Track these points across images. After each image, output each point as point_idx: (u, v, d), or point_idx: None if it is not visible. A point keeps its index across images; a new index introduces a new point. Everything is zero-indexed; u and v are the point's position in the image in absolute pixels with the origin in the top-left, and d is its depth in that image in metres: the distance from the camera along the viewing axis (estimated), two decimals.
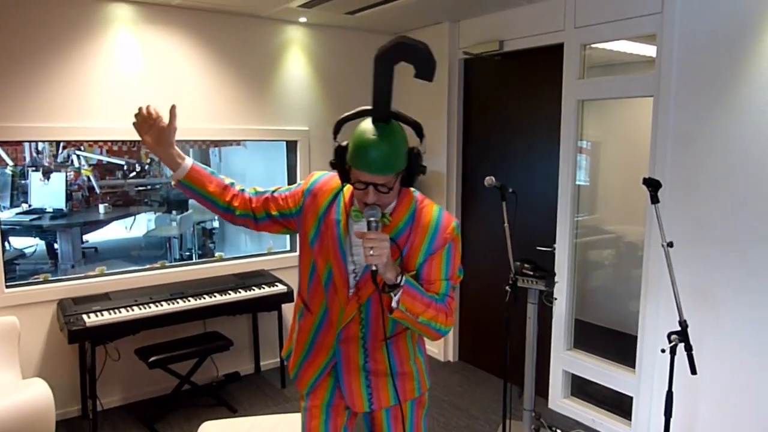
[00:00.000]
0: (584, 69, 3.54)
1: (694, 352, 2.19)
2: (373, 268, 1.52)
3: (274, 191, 1.84)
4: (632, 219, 3.60)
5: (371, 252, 1.50)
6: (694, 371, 2.14)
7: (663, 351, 2.24)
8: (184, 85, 3.86)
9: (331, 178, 1.78)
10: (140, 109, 1.88)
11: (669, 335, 2.25)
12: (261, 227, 1.85)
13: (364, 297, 1.71)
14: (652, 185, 2.29)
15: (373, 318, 1.74)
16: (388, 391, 1.82)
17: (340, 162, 1.64)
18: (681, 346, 2.20)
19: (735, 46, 2.73)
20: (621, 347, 3.51)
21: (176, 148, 1.81)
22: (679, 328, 2.22)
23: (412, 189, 1.72)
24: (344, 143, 1.63)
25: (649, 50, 3.30)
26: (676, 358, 2.26)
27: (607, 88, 3.44)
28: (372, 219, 1.55)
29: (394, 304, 1.57)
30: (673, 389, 2.36)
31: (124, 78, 3.64)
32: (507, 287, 3.09)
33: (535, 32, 3.71)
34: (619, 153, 3.77)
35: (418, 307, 1.59)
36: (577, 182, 3.65)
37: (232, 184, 1.83)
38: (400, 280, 1.56)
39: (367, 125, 1.59)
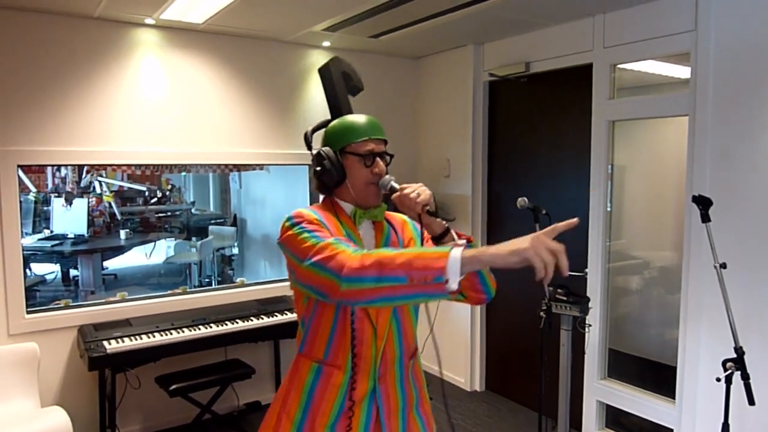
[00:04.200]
0: (614, 89, 3.47)
1: (750, 381, 2.06)
2: (428, 209, 1.49)
3: (329, 240, 1.47)
4: (659, 244, 3.48)
5: (419, 197, 1.48)
6: (752, 401, 2.01)
7: (718, 380, 2.10)
8: (208, 109, 3.85)
9: (321, 208, 1.64)
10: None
11: (724, 363, 2.12)
12: None
13: None
14: (703, 203, 2.18)
15: (404, 321, 1.62)
16: (419, 425, 1.67)
17: (335, 159, 1.60)
18: (737, 375, 2.07)
19: None
20: (656, 377, 3.35)
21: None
22: (734, 356, 2.09)
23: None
24: (321, 149, 1.63)
25: (678, 71, 3.23)
26: (732, 387, 2.12)
27: (640, 108, 3.36)
28: (391, 181, 1.57)
29: (461, 241, 1.45)
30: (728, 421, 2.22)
31: (147, 102, 3.64)
32: (541, 313, 2.97)
33: (562, 53, 3.66)
34: (644, 177, 3.66)
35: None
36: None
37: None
38: (447, 224, 1.55)
39: (340, 118, 1.67)
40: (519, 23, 3.67)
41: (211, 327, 3.54)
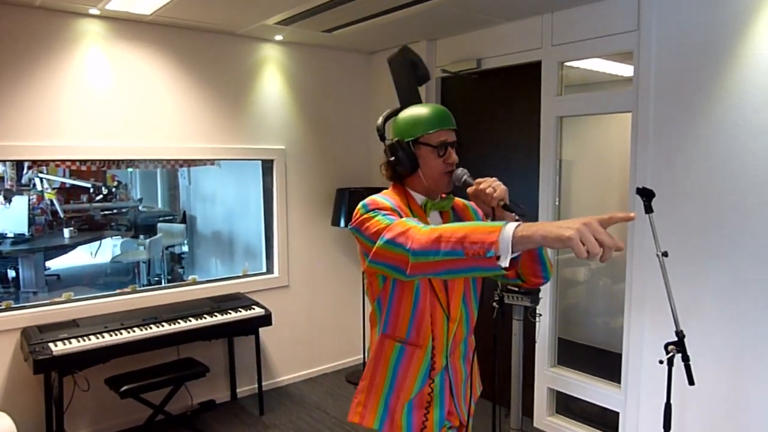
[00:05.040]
0: (562, 86, 3.58)
1: (690, 363, 2.17)
2: (501, 203, 1.53)
3: (401, 219, 1.55)
4: None
5: (494, 192, 1.53)
6: (691, 382, 2.12)
7: (661, 362, 2.21)
8: (156, 103, 3.76)
9: (392, 195, 1.71)
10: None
11: (666, 346, 2.23)
12: None
13: (460, 283, 1.69)
14: (646, 195, 2.29)
15: (470, 307, 1.73)
16: (470, 395, 1.80)
17: (408, 149, 1.66)
18: (678, 357, 2.18)
19: (710, 61, 2.79)
20: (603, 363, 3.49)
21: None
22: (675, 339, 2.20)
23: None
24: (394, 139, 1.69)
25: (623, 69, 3.36)
26: (673, 369, 2.24)
27: (586, 104, 3.47)
28: (465, 175, 1.64)
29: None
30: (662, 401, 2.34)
31: (92, 96, 3.52)
32: (494, 303, 3.05)
33: (512, 50, 3.75)
34: (591, 171, 3.80)
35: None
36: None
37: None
38: (519, 220, 1.57)
39: (411, 107, 1.72)
40: (470, 20, 3.74)
41: (162, 326, 3.47)
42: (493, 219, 1.59)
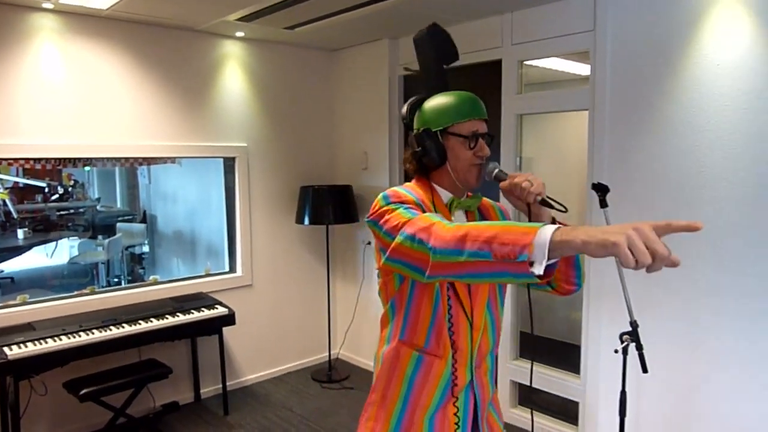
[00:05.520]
0: (522, 85, 3.65)
1: (644, 352, 2.26)
2: (539, 198, 1.42)
3: (424, 214, 1.41)
4: None
5: (531, 186, 1.41)
6: (645, 370, 2.20)
7: (616, 351, 2.29)
8: (114, 100, 3.68)
9: (414, 188, 1.57)
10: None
11: (621, 335, 2.31)
12: None
13: (485, 288, 1.55)
14: (601, 190, 2.36)
15: (496, 315, 1.60)
16: (495, 418, 1.66)
17: (436, 139, 1.52)
18: (632, 346, 2.26)
19: (661, 61, 2.89)
20: (563, 355, 3.59)
21: None
22: (630, 329, 2.28)
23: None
24: (421, 129, 1.55)
25: (580, 68, 3.45)
26: (628, 358, 2.32)
27: (545, 102, 3.55)
28: (497, 168, 1.51)
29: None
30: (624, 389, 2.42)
31: (47, 92, 3.43)
32: None
33: (474, 49, 3.80)
34: (550, 168, 3.90)
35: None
36: None
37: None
38: (556, 218, 1.49)
39: (439, 95, 1.57)
40: (431, 19, 3.71)
41: (123, 327, 3.41)
42: (529, 218, 1.48)
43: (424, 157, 1.53)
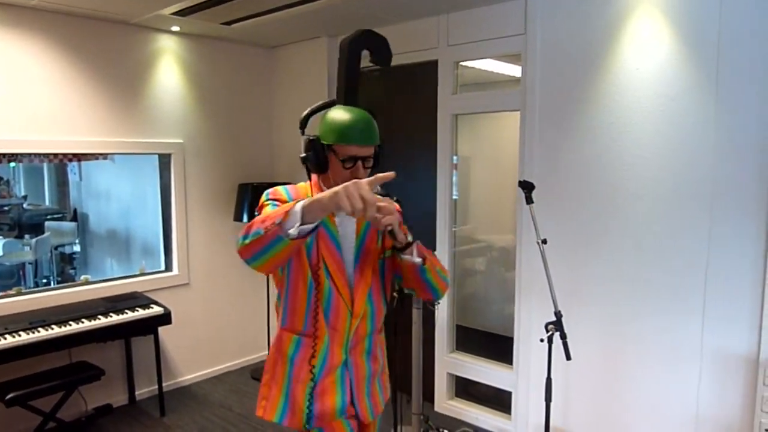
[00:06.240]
0: (457, 85, 3.75)
1: (568, 340, 2.38)
2: (388, 229, 1.52)
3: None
4: (500, 228, 3.86)
5: (383, 218, 1.47)
6: (568, 357, 2.33)
7: (542, 340, 2.41)
8: (42, 93, 3.55)
9: (297, 187, 1.74)
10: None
11: (546, 325, 2.43)
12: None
13: (367, 281, 1.72)
14: (527, 187, 2.47)
15: (376, 302, 1.75)
16: (378, 393, 1.84)
17: (321, 151, 1.65)
18: (557, 335, 2.38)
19: (586, 65, 3.04)
20: (497, 348, 3.72)
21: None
22: (554, 319, 2.40)
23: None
24: (312, 136, 1.68)
25: (513, 70, 3.58)
26: (553, 346, 2.44)
27: (479, 102, 3.67)
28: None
29: (417, 259, 1.61)
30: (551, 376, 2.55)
31: None
32: (394, 293, 3.15)
33: (411, 49, 3.88)
34: (487, 167, 4.03)
35: (433, 258, 1.68)
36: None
37: None
38: (411, 238, 1.63)
39: (341, 108, 1.68)
40: (369, 18, 3.82)
41: (51, 329, 3.30)
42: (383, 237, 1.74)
43: (306, 162, 1.70)
